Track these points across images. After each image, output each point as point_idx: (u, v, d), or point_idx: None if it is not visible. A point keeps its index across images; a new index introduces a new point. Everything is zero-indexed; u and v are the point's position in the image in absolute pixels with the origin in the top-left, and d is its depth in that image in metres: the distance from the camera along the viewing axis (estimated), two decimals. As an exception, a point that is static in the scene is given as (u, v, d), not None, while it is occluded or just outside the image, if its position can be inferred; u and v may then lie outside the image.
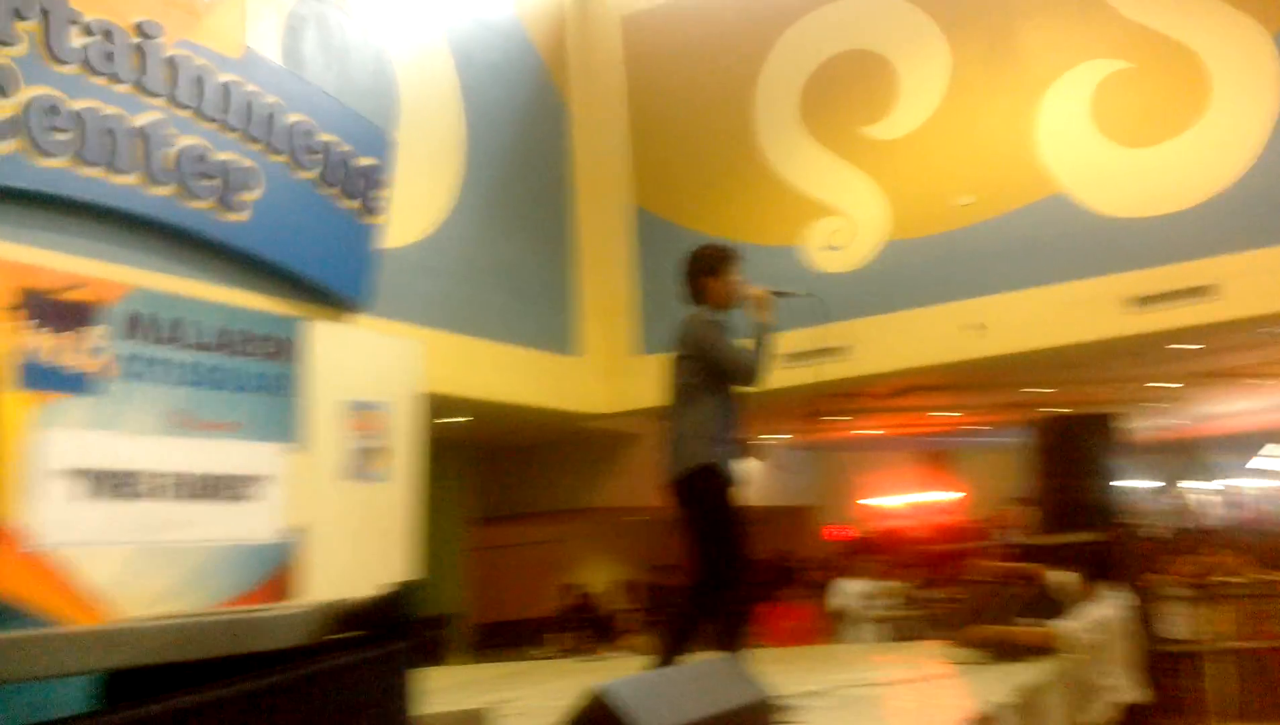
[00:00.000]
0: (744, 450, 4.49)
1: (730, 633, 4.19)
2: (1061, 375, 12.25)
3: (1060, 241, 9.51)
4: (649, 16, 11.60)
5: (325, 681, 2.06)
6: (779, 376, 9.98)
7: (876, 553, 9.39)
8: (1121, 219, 9.35)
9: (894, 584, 8.93)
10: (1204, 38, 9.20)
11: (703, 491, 4.30)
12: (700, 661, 3.79)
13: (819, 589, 10.39)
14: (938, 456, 20.92)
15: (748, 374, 4.34)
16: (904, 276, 10.05)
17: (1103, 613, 6.07)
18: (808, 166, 10.65)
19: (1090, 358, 10.75)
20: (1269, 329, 9.92)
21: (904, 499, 20.16)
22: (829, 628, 9.17)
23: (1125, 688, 6.00)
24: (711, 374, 4.35)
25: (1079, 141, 9.61)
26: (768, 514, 18.60)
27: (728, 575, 4.21)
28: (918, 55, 10.28)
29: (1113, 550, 6.76)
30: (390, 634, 2.23)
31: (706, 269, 4.51)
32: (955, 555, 12.78)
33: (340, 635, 2.21)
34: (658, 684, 3.31)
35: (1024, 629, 5.49)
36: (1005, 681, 4.33)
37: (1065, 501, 7.19)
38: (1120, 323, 9.23)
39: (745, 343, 4.44)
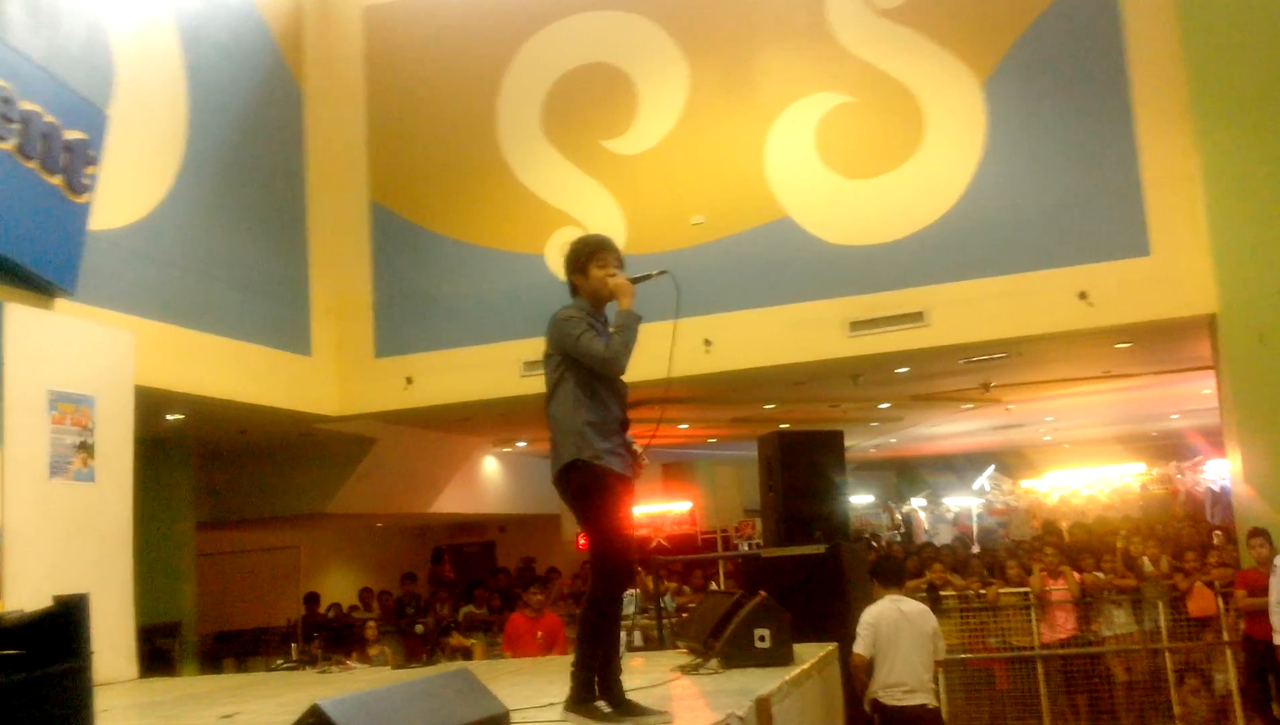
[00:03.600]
0: (621, 444, 4.23)
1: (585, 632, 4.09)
2: (785, 393, 12.78)
3: (785, 265, 9.91)
4: (392, 9, 11.33)
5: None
6: (520, 384, 10.08)
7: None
8: (841, 246, 9.85)
9: (639, 592, 8.98)
10: (921, 79, 9.83)
11: (576, 488, 4.16)
12: (435, 675, 3.64)
13: (569, 598, 10.37)
14: (674, 467, 21.46)
15: (604, 363, 4.17)
16: (638, 291, 10.16)
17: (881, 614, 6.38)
18: (548, 175, 10.68)
19: (811, 377, 11.27)
20: (971, 357, 10.68)
21: (642, 509, 20.54)
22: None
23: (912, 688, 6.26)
24: (578, 369, 4.24)
25: (804, 169, 10.07)
26: (514, 522, 18.58)
27: (601, 570, 4.10)
28: (658, 74, 10.50)
29: (838, 563, 7.04)
30: (61, 652, 2.01)
31: (576, 267, 4.39)
32: (695, 564, 13.07)
33: (5, 653, 1.98)
34: (382, 699, 3.15)
35: None
36: (744, 691, 4.40)
37: (792, 514, 7.43)
38: (838, 345, 9.72)
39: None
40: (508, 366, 10.23)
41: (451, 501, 15.29)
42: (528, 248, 10.56)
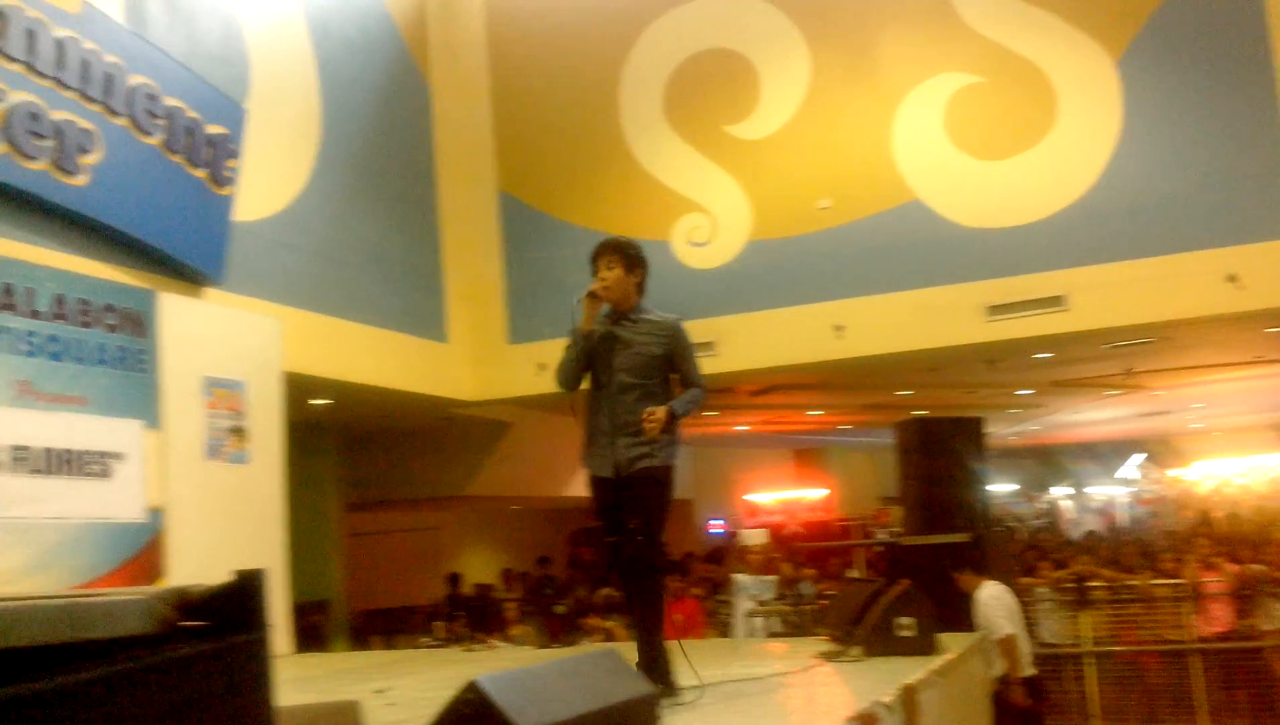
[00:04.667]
0: (609, 443, 4.39)
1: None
2: (920, 379, 12.56)
3: (916, 248, 9.71)
4: (512, 0, 11.42)
5: (172, 672, 1.87)
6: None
7: (772, 547, 9.44)
8: (975, 229, 9.60)
9: (778, 578, 8.95)
10: (1052, 57, 9.52)
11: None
12: (583, 655, 3.67)
13: (704, 582, 10.38)
14: (807, 454, 21.31)
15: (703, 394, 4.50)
16: (765, 276, 10.13)
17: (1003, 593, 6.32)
18: (672, 161, 10.64)
19: (946, 362, 11.03)
20: (1114, 342, 10.33)
21: (776, 495, 20.47)
22: (714, 621, 9.16)
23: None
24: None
25: (934, 151, 9.84)
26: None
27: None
28: (780, 58, 10.36)
29: (982, 551, 6.90)
30: (242, 624, 2.04)
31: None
32: (834, 552, 12.96)
33: (188, 624, 2.02)
34: (537, 677, 3.16)
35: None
36: (889, 679, 4.32)
37: (932, 502, 7.31)
38: (974, 330, 9.47)
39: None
40: (634, 352, 10.22)
41: (584, 486, 15.40)
42: (653, 234, 10.52)
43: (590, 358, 4.47)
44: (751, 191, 10.39)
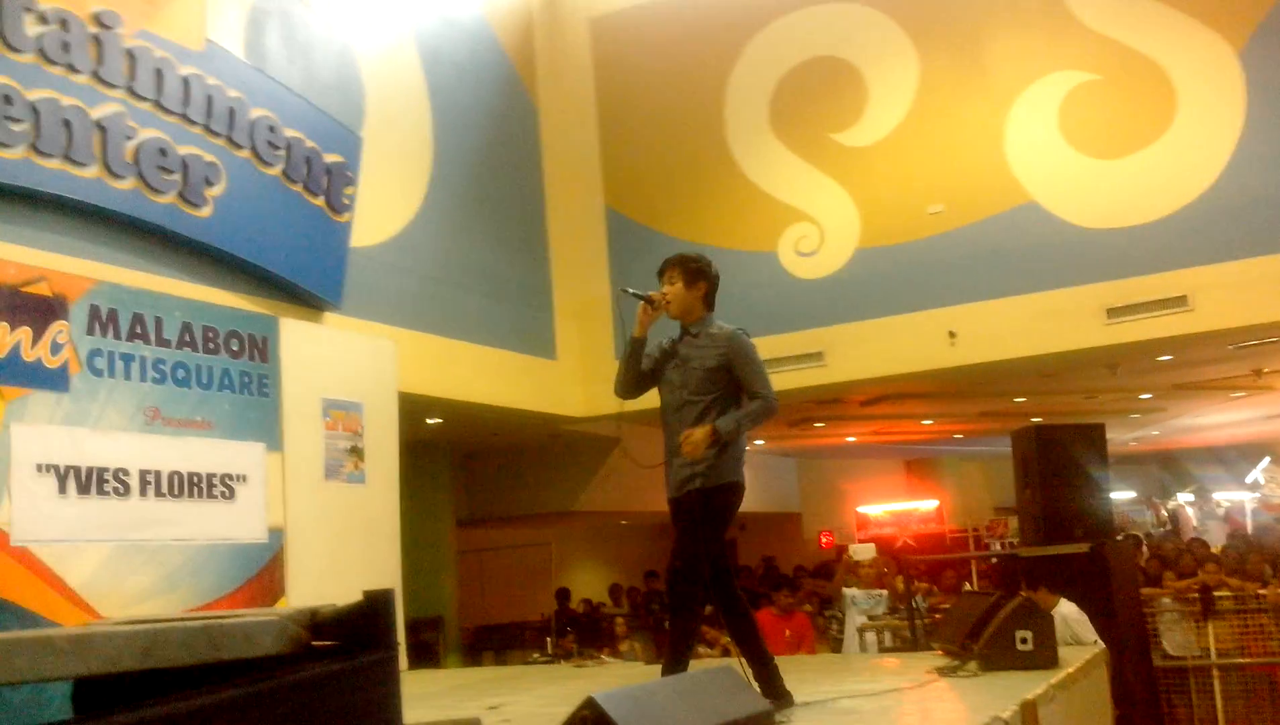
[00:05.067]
0: (670, 463, 4.46)
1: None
2: (1036, 385, 12.29)
3: (1032, 251, 9.51)
4: (618, 18, 11.51)
5: (305, 691, 1.95)
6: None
7: (883, 560, 9.33)
8: (1092, 229, 9.37)
9: (888, 592, 8.85)
10: (1170, 52, 9.26)
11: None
12: (698, 671, 3.69)
13: (814, 596, 10.31)
14: (919, 464, 21.00)
15: (771, 407, 4.47)
16: (875, 284, 10.03)
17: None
18: (778, 172, 10.61)
19: (1064, 368, 10.78)
20: (1240, 342, 9.98)
21: (887, 507, 20.21)
22: (825, 637, 9.10)
23: None
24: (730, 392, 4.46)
25: (1049, 152, 9.63)
26: (753, 520, 18.66)
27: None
28: (886, 63, 10.27)
29: (1104, 561, 6.72)
30: (371, 642, 2.11)
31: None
32: (948, 564, 12.75)
33: (319, 643, 2.10)
34: (652, 694, 3.19)
35: None
36: (1008, 694, 4.25)
37: (1050, 512, 7.14)
38: (1093, 333, 9.25)
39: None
40: (745, 365, 10.20)
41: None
42: (759, 246, 10.53)
43: (653, 371, 4.50)
44: (860, 199, 10.30)
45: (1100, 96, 9.53)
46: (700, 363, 4.41)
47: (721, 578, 4.34)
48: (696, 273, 4.51)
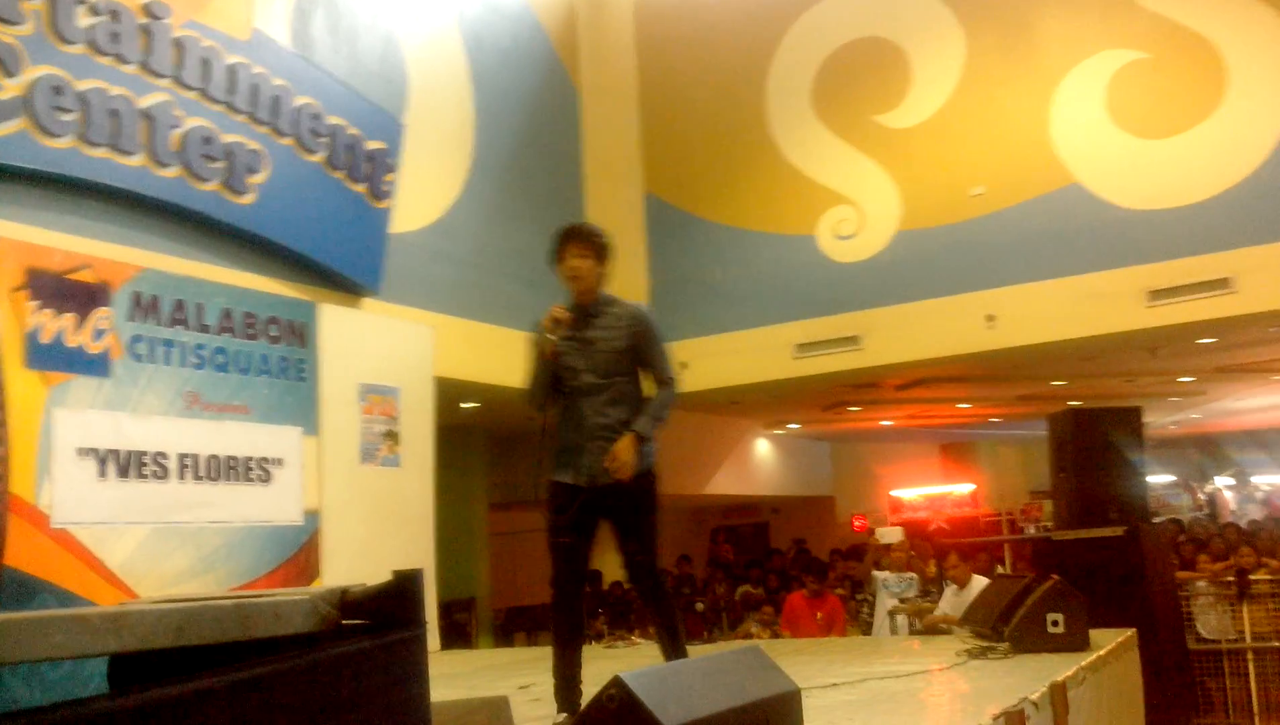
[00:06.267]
0: (579, 451, 4.13)
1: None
2: (1076, 368, 12.18)
3: (1074, 233, 9.42)
4: (660, 2, 11.52)
5: (334, 669, 2.00)
6: (793, 366, 10.13)
7: (912, 543, 9.33)
8: (1137, 211, 9.27)
9: (919, 575, 8.86)
10: (1221, 29, 9.10)
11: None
12: (725, 652, 3.74)
13: (846, 579, 10.31)
14: (954, 448, 20.87)
15: (674, 383, 4.26)
16: (915, 267, 9.98)
17: None
18: (819, 154, 10.58)
19: (1104, 351, 10.67)
20: (1285, 324, 9.83)
21: (921, 491, 20.12)
22: (856, 619, 9.12)
23: None
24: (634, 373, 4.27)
25: (1094, 132, 9.52)
26: (786, 503, 18.64)
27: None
28: (931, 43, 10.19)
29: (1139, 545, 6.68)
30: (400, 621, 2.17)
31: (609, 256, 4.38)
32: (979, 548, 12.68)
33: (349, 622, 2.16)
34: (679, 674, 3.24)
35: None
36: (1037, 676, 4.27)
37: (1086, 495, 7.10)
38: (1134, 316, 9.15)
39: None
40: (779, 349, 10.23)
41: (725, 483, 15.46)
42: (798, 229, 10.52)
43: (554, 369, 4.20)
44: (901, 181, 10.26)
45: (1149, 75, 9.40)
46: (608, 344, 4.18)
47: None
48: (605, 247, 4.27)
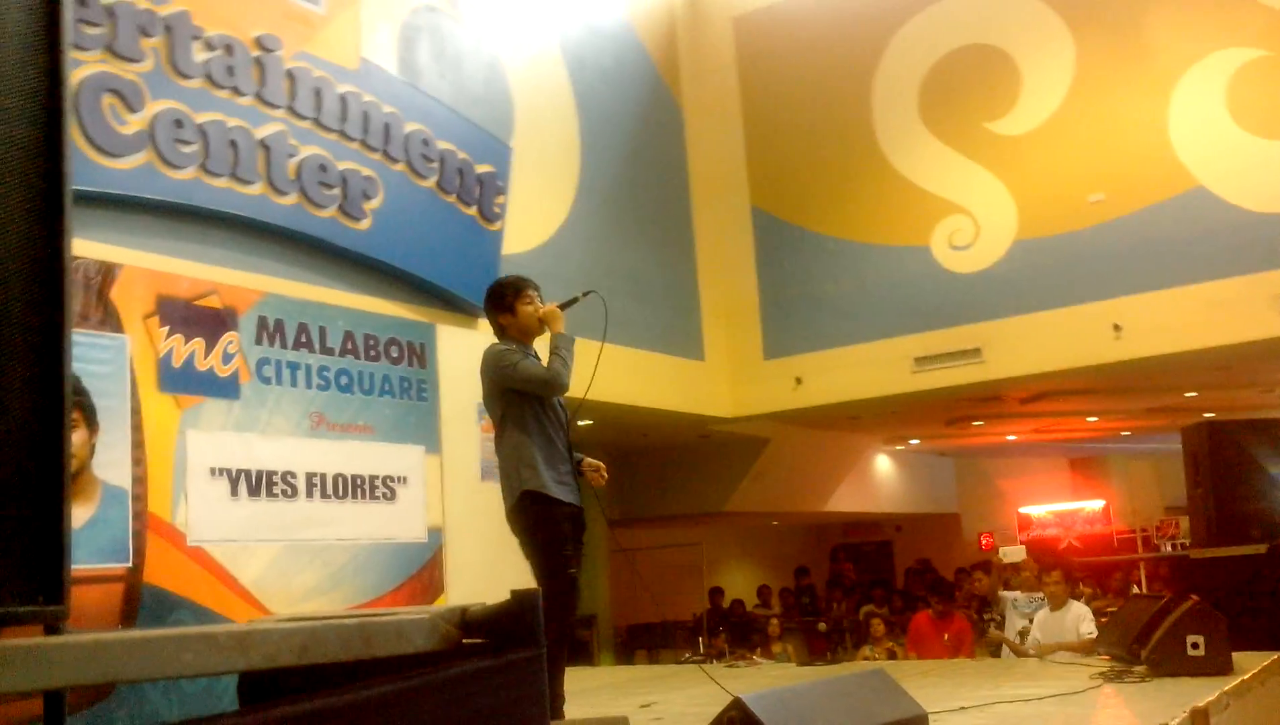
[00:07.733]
0: (569, 473, 4.46)
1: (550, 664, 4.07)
2: (1209, 379, 11.74)
3: (1200, 238, 9.09)
4: (760, 16, 11.47)
5: (455, 688, 2.00)
6: (912, 380, 9.95)
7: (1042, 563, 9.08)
8: (1264, 214, 8.91)
9: (1044, 594, 8.62)
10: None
11: (530, 521, 4.34)
12: (849, 674, 3.66)
13: (974, 599, 10.07)
14: (1083, 462, 20.31)
15: (545, 385, 4.43)
16: (1034, 277, 9.74)
17: None
18: (929, 164, 10.40)
19: (1238, 360, 10.26)
20: None
21: (1050, 507, 19.62)
22: (985, 639, 8.91)
23: None
24: (520, 402, 4.41)
25: (1217, 134, 9.20)
26: (909, 521, 18.33)
27: (552, 604, 4.13)
28: (1040, 48, 9.97)
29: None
30: (518, 641, 2.16)
31: (502, 308, 4.61)
32: (1113, 567, 12.30)
33: (470, 641, 2.16)
34: (801, 696, 3.18)
35: None
36: (1177, 701, 4.09)
37: (1225, 512, 6.82)
38: (1266, 324, 8.78)
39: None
40: (898, 363, 10.05)
41: (845, 500, 15.27)
42: (911, 240, 10.35)
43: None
44: (1016, 189, 10.03)
45: (1271, 73, 9.07)
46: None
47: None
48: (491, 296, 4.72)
